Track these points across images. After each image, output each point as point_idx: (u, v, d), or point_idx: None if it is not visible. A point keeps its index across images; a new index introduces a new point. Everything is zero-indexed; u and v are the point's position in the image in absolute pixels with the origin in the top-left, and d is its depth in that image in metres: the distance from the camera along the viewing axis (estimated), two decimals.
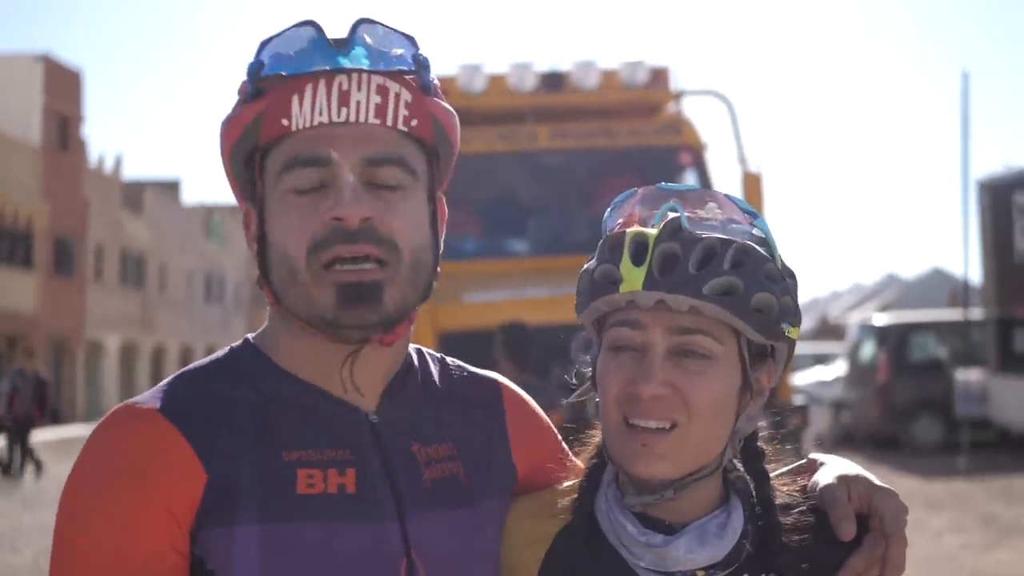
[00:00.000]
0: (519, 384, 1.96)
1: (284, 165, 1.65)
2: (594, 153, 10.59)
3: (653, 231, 1.69)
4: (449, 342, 8.77)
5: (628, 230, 1.71)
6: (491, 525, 1.76)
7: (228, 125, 1.69)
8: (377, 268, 1.63)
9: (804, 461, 1.86)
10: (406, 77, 1.68)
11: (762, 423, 1.81)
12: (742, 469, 1.79)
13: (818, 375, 26.88)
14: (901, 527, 1.75)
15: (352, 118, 1.64)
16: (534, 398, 1.94)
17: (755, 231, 1.71)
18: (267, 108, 1.65)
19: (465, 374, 1.87)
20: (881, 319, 24.58)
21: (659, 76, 11.23)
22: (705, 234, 1.67)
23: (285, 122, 1.64)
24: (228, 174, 1.74)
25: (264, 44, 1.66)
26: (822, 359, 30.18)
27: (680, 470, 1.69)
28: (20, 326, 39.68)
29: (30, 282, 40.55)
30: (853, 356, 23.78)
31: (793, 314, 1.72)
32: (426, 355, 1.85)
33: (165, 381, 1.71)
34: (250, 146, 1.68)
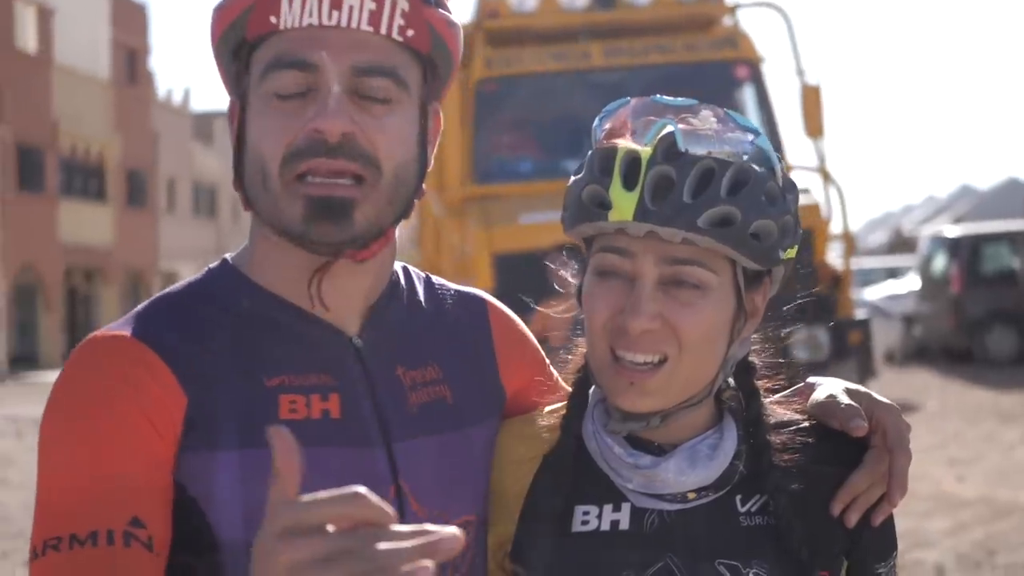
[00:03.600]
0: None
1: (268, 65, 1.57)
2: (649, 69, 10.46)
3: (646, 149, 1.59)
4: (504, 263, 8.78)
5: (620, 145, 1.60)
6: (480, 448, 1.71)
7: (218, 13, 1.62)
8: (352, 185, 1.56)
9: (801, 385, 1.79)
10: None
11: (755, 335, 1.73)
12: (734, 387, 1.72)
13: (890, 289, 26.60)
14: (905, 441, 1.69)
15: (344, 23, 1.55)
16: None
17: (754, 146, 1.60)
18: (256, 2, 1.57)
19: (451, 292, 1.82)
20: (953, 231, 24.21)
21: None
22: (702, 151, 1.57)
23: (273, 19, 1.56)
24: (218, 64, 1.67)
25: None
26: (894, 273, 29.85)
27: (669, 402, 1.62)
28: (96, 259, 40.28)
29: (105, 215, 41.09)
30: (925, 269, 23.49)
31: (792, 234, 1.62)
32: (412, 273, 1.80)
33: (138, 307, 1.63)
34: (238, 39, 1.61)
